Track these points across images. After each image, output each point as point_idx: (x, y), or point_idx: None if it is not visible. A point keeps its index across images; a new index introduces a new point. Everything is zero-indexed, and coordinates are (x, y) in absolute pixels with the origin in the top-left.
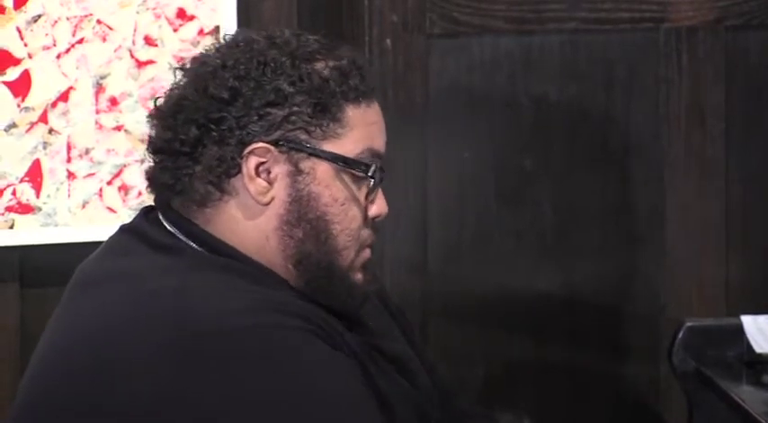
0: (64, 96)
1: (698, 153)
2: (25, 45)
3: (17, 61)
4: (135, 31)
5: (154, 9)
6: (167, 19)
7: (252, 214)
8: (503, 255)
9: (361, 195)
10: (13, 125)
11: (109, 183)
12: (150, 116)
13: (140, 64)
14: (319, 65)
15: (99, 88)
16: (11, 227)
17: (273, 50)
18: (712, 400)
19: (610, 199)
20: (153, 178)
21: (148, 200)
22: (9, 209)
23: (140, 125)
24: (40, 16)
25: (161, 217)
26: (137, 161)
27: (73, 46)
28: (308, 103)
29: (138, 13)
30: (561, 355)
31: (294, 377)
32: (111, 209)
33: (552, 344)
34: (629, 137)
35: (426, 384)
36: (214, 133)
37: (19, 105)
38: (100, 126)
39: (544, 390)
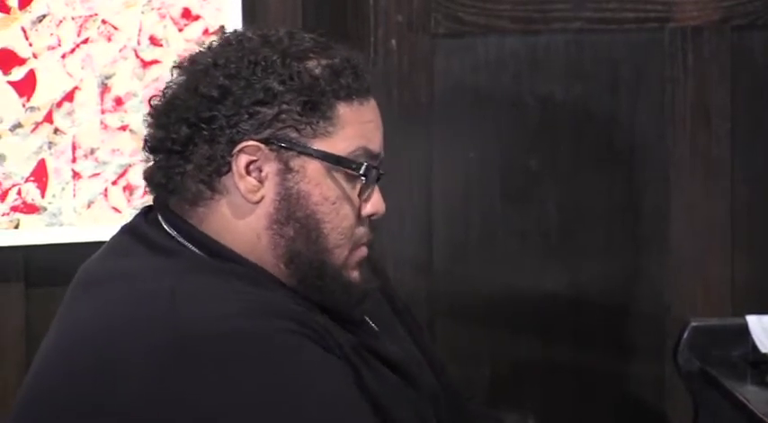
0: (69, 96)
1: (703, 153)
2: (30, 45)
3: (22, 61)
4: (140, 30)
5: (159, 9)
6: (172, 19)
7: (242, 213)
8: (508, 255)
9: (355, 194)
10: (19, 125)
11: (114, 183)
12: (147, 115)
13: (145, 64)
14: (311, 63)
15: (104, 88)
16: (16, 226)
17: (265, 49)
18: (717, 399)
19: (615, 199)
20: (149, 178)
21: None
22: (14, 208)
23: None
24: (44, 16)
25: (160, 218)
26: (142, 161)
27: (78, 46)
28: (297, 101)
29: (143, 12)
30: (567, 354)
31: (290, 379)
32: (116, 209)
33: (558, 343)
34: (634, 137)
35: (431, 385)
36: (205, 132)
37: (24, 105)
38: (105, 126)
39: (550, 389)
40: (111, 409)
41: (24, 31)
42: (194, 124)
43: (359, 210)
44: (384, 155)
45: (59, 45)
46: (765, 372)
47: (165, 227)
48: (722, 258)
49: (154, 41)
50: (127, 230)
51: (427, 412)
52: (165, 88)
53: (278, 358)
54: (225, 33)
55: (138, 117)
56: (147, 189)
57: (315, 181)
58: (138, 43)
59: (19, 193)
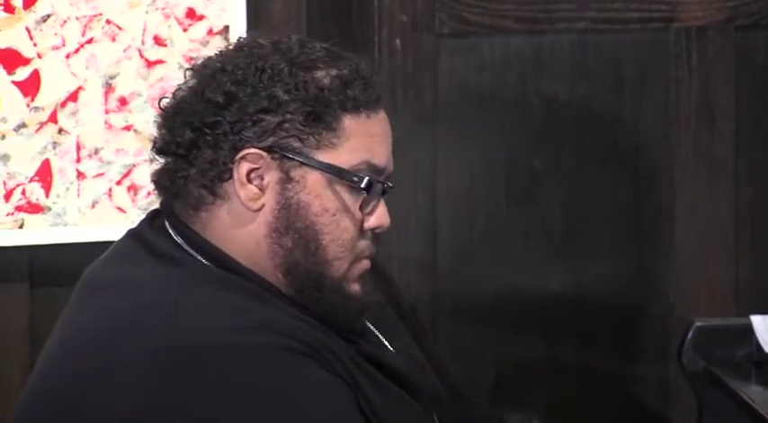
0: (73, 96)
1: (707, 153)
2: (34, 45)
3: (26, 61)
4: (144, 30)
5: (163, 9)
6: (177, 19)
7: (243, 221)
8: (513, 255)
9: (356, 207)
10: (23, 125)
11: (118, 183)
12: (156, 116)
13: (150, 64)
14: (319, 73)
15: (108, 88)
16: (20, 226)
17: (274, 56)
18: (721, 399)
19: (619, 199)
20: (156, 180)
21: (157, 200)
22: (19, 208)
23: (150, 125)
24: (49, 16)
25: (166, 224)
26: (146, 161)
27: (82, 46)
28: (301, 111)
29: (147, 12)
30: (571, 354)
31: (285, 391)
32: (120, 209)
33: (562, 344)
34: (638, 137)
35: (434, 387)
36: (208, 137)
37: (28, 105)
38: (109, 126)
39: (554, 389)
40: (111, 412)
41: (29, 30)
42: (198, 129)
43: (361, 223)
44: (392, 168)
45: (64, 45)
46: None
47: (171, 234)
48: (726, 258)
49: (158, 41)
50: (133, 235)
51: (428, 421)
52: (175, 90)
53: (275, 370)
54: (239, 39)
55: (142, 117)
56: (155, 192)
57: (315, 192)
58: (143, 43)
59: (23, 192)
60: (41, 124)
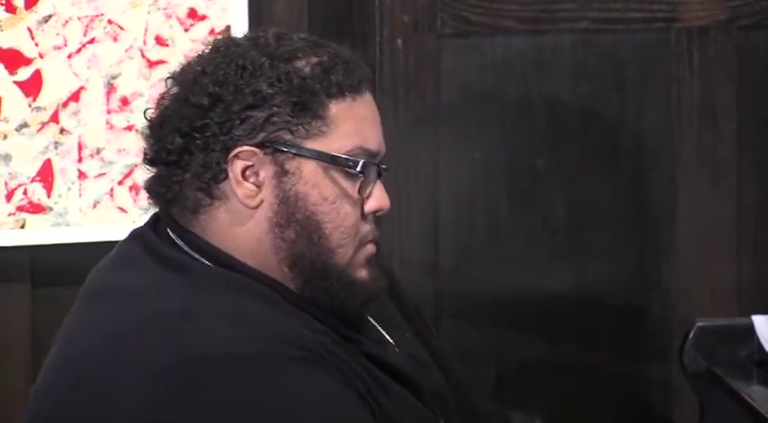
0: (75, 96)
1: (709, 153)
2: (36, 45)
3: (28, 61)
4: (146, 30)
5: (165, 9)
6: (178, 19)
7: (243, 219)
8: (514, 255)
9: (355, 191)
10: (25, 125)
11: (120, 183)
12: (142, 128)
13: (151, 64)
14: (299, 63)
15: (110, 88)
16: (22, 226)
17: (252, 52)
18: (723, 399)
19: (621, 199)
20: (149, 188)
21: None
22: (20, 208)
23: None
24: (50, 16)
25: (168, 229)
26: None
27: (84, 46)
28: (287, 102)
29: (149, 12)
30: (572, 354)
31: (286, 405)
32: (122, 209)
33: (564, 343)
34: (640, 137)
35: (438, 385)
36: (198, 141)
37: (30, 105)
38: (111, 126)
39: (555, 389)
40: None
41: (30, 31)
42: (187, 134)
43: (361, 207)
44: (385, 149)
45: (65, 45)
46: None
47: (173, 237)
48: (728, 258)
49: (160, 41)
50: (137, 238)
51: (431, 420)
52: (158, 100)
53: (281, 379)
54: (214, 40)
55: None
56: (149, 200)
57: (312, 182)
58: (144, 43)
59: (25, 192)
60: (43, 124)
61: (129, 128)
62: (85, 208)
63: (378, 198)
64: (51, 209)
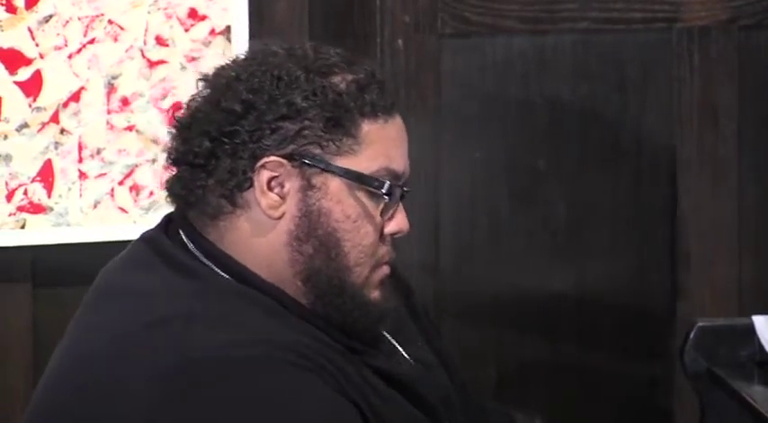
0: (75, 96)
1: (710, 153)
2: (37, 45)
3: (29, 61)
4: (146, 30)
5: (165, 9)
6: (179, 19)
7: (263, 229)
8: (515, 255)
9: (377, 212)
10: (25, 125)
11: (120, 183)
12: (170, 127)
13: (152, 64)
14: (336, 79)
15: (110, 88)
16: (22, 227)
17: (289, 63)
18: (724, 400)
19: (622, 199)
20: (170, 188)
21: (160, 200)
22: (21, 209)
23: (151, 125)
24: (51, 16)
25: (181, 233)
26: (148, 161)
27: (84, 46)
28: (321, 117)
29: (149, 12)
30: (573, 354)
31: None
32: (122, 209)
33: (564, 343)
34: (641, 137)
35: (444, 386)
36: (227, 146)
37: (30, 105)
38: (111, 126)
39: (556, 389)
40: None
41: (31, 31)
42: (216, 138)
43: (381, 228)
44: (409, 172)
45: (66, 45)
46: None
47: (185, 241)
48: (729, 258)
49: (160, 41)
50: (149, 240)
51: None
52: (189, 101)
53: (273, 381)
54: (251, 47)
55: (144, 117)
56: (168, 199)
57: (336, 198)
58: (145, 43)
59: (25, 193)
60: (43, 124)
61: (130, 128)
62: (86, 208)
63: (399, 221)
64: (52, 209)
